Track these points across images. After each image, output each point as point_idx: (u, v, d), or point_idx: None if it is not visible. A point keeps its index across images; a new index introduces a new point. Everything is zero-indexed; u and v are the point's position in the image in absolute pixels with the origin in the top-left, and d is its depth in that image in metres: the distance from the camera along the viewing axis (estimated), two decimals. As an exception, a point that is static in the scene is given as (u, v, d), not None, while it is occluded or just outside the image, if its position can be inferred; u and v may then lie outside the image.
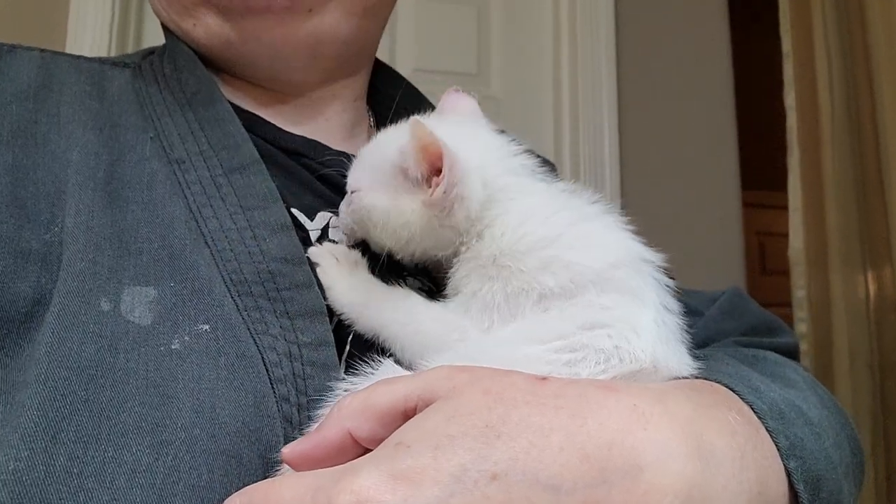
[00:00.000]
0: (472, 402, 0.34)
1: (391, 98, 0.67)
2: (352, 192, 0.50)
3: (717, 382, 0.42)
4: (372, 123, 0.68)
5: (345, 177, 0.53)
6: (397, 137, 0.48)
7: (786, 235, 1.78)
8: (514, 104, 1.85)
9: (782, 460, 0.39)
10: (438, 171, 0.44)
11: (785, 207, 1.79)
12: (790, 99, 1.78)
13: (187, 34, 0.56)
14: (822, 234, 1.75)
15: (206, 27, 0.55)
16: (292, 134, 0.57)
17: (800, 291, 1.78)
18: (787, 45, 1.79)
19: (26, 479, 0.34)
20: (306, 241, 0.51)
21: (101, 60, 0.57)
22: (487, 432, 0.32)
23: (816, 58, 1.75)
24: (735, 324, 0.66)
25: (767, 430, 0.40)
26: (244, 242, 0.45)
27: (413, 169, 0.45)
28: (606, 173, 1.77)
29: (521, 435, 0.32)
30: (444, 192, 0.44)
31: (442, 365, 0.38)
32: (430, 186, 0.45)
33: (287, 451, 0.36)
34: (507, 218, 0.46)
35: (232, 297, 0.43)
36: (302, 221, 0.52)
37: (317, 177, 0.56)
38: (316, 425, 0.39)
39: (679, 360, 0.43)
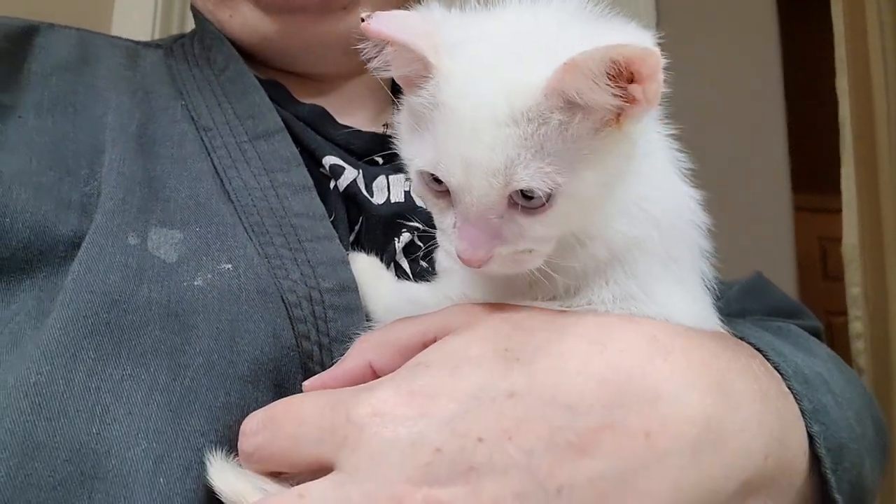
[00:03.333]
0: (491, 329, 0.35)
1: None
2: (526, 208, 0.35)
3: (743, 340, 0.42)
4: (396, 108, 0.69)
5: (353, 152, 0.55)
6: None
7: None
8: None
9: (805, 423, 0.38)
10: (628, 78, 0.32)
11: (845, 211, 1.67)
12: (843, 83, 1.69)
13: (222, 24, 0.59)
14: (877, 228, 1.65)
15: (243, 19, 0.58)
16: (303, 103, 0.59)
17: (855, 289, 1.68)
18: (839, 27, 1.71)
19: (46, 392, 0.35)
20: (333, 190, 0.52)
21: (135, 42, 0.61)
22: (507, 355, 0.33)
23: (869, 39, 1.65)
24: (757, 304, 0.66)
25: (791, 390, 0.39)
26: (267, 200, 0.46)
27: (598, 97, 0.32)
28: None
29: (540, 359, 0.33)
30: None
31: (459, 303, 0.39)
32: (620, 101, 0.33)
33: (308, 383, 0.38)
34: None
35: (254, 244, 0.44)
36: (343, 164, 0.53)
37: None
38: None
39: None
